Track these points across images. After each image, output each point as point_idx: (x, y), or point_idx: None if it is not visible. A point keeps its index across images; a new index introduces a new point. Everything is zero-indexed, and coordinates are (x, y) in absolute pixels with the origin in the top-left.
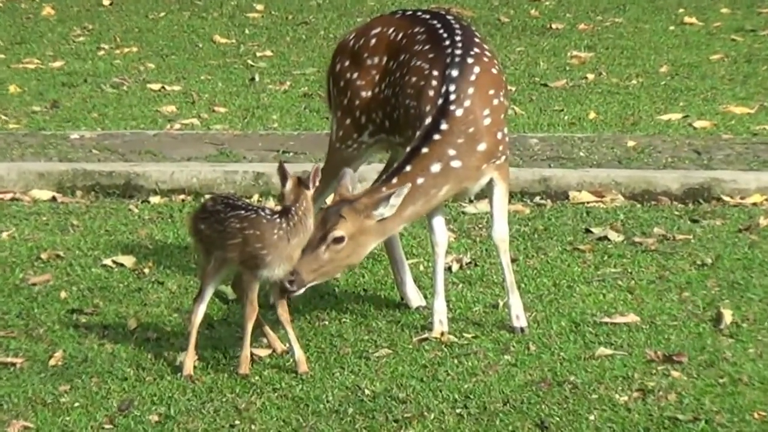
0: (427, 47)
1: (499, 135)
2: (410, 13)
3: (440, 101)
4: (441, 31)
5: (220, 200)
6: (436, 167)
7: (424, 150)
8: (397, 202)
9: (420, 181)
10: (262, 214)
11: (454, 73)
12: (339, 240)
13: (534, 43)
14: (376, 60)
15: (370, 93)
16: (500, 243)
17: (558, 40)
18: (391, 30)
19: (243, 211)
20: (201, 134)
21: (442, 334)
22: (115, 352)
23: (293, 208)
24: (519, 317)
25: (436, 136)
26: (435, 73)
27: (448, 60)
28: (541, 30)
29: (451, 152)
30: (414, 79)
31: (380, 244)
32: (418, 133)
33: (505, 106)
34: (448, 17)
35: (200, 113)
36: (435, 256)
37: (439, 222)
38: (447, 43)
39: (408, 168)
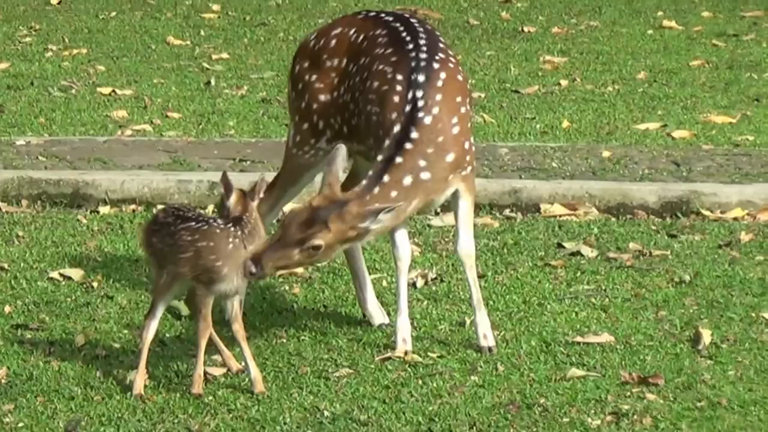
0: (389, 50)
1: (467, 144)
2: (373, 14)
3: (407, 108)
4: (404, 34)
5: (172, 211)
6: (407, 179)
7: (398, 160)
8: (386, 218)
9: (393, 194)
10: (215, 224)
11: (421, 78)
12: (317, 248)
13: (505, 47)
14: (336, 62)
15: (328, 97)
16: (466, 258)
17: (530, 44)
18: (352, 31)
19: (194, 223)
20: (153, 141)
21: (406, 353)
22: (62, 370)
23: (245, 217)
24: (486, 336)
25: (408, 145)
26: (399, 77)
27: (413, 64)
28: (512, 33)
29: (422, 163)
30: (376, 84)
31: (355, 245)
32: (387, 141)
33: (471, 115)
34: (412, 20)
35: (153, 119)
36: (398, 271)
37: (401, 236)
38: (411, 46)
39: (386, 178)
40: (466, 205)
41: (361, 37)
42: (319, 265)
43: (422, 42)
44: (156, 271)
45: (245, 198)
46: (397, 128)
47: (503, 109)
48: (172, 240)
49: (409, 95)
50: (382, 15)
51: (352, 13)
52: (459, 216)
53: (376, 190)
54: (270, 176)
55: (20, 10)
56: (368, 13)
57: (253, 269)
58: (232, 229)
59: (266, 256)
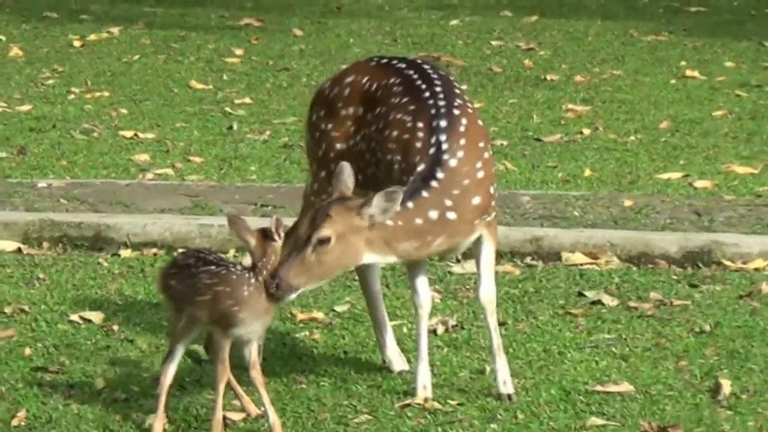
0: (405, 99)
1: (491, 189)
2: (385, 61)
3: (432, 150)
4: (419, 82)
5: (192, 255)
6: (434, 214)
7: (424, 194)
8: (393, 208)
9: (419, 221)
10: (233, 269)
11: (443, 123)
12: (324, 241)
13: (527, 95)
14: (351, 110)
15: (344, 145)
16: (487, 304)
17: (553, 92)
18: (365, 79)
19: (214, 267)
20: (175, 185)
21: (426, 400)
22: (81, 413)
23: (260, 264)
24: (506, 383)
25: (434, 183)
26: (420, 125)
27: (432, 111)
28: (535, 81)
29: (448, 203)
30: (395, 133)
31: (379, 261)
32: (412, 179)
33: (493, 161)
34: (425, 66)
35: (175, 163)
36: (418, 318)
37: (422, 282)
38: (427, 94)
39: (410, 205)
40: (488, 251)
41: (375, 86)
42: (350, 267)
43: (438, 89)
44: (174, 314)
45: (265, 238)
46: (422, 167)
47: (525, 157)
48: (192, 282)
49: (433, 139)
50: (394, 62)
51: (364, 60)
52: (481, 262)
53: (399, 207)
54: (289, 221)
55: (43, 52)
56: (380, 59)
57: (273, 288)
58: (247, 275)
59: (282, 269)
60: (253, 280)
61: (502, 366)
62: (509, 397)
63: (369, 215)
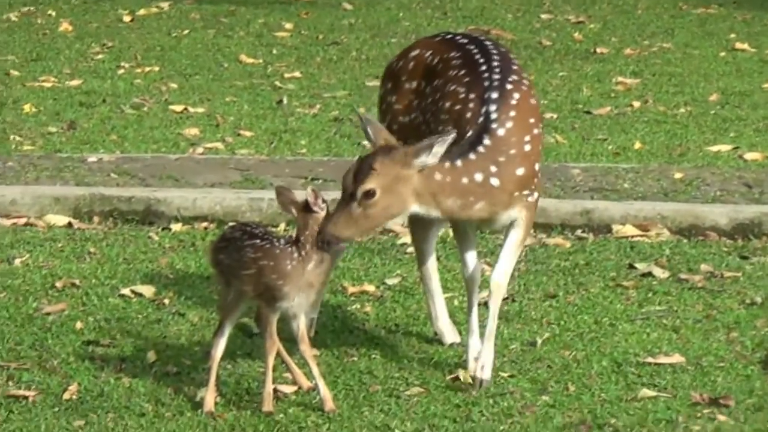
0: (462, 72)
1: (536, 166)
2: (449, 36)
3: (480, 119)
4: (478, 56)
5: (239, 228)
6: (479, 176)
7: (472, 156)
8: (440, 150)
9: (464, 180)
10: (276, 243)
11: (494, 95)
12: (369, 194)
13: (577, 68)
14: (414, 84)
15: (406, 118)
16: (495, 288)
17: (602, 65)
18: (428, 53)
19: (259, 240)
20: (225, 159)
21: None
22: (133, 387)
23: (302, 236)
24: (484, 368)
25: (481, 149)
26: (472, 96)
27: (486, 84)
28: (584, 54)
29: (493, 168)
30: (448, 104)
31: (423, 213)
32: (461, 143)
33: (542, 140)
34: (487, 42)
35: (225, 137)
36: (468, 291)
37: (471, 256)
38: (484, 68)
39: (458, 163)
40: (516, 237)
41: (437, 59)
42: (399, 215)
43: (495, 64)
44: (223, 288)
45: (306, 211)
46: (470, 134)
47: (575, 130)
48: (238, 256)
49: (483, 110)
50: (458, 37)
51: (431, 35)
52: (506, 244)
53: (447, 164)
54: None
55: (93, 27)
56: (446, 35)
57: (320, 243)
58: (290, 249)
59: (329, 223)
60: (296, 254)
61: (487, 352)
62: (481, 383)
63: (417, 162)
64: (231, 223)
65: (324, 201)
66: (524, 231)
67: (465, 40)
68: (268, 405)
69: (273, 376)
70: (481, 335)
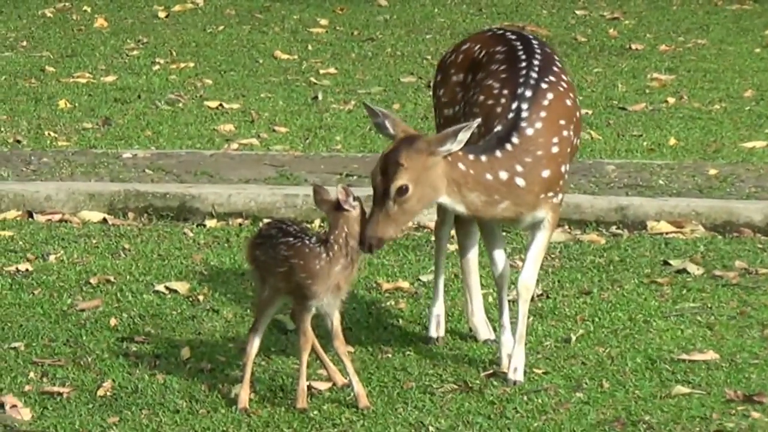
0: (502, 67)
1: (563, 168)
2: (500, 32)
3: (510, 115)
4: (520, 53)
5: (275, 225)
6: (503, 174)
7: (498, 153)
8: (465, 136)
9: (488, 177)
10: (307, 242)
11: (528, 93)
12: (402, 190)
13: (612, 64)
14: (460, 77)
15: (451, 111)
16: (524, 290)
17: (637, 61)
18: (477, 47)
19: (292, 239)
20: (260, 155)
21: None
22: (167, 383)
23: (332, 236)
24: (517, 370)
25: (508, 146)
26: (505, 92)
27: (521, 80)
28: (619, 50)
29: (518, 168)
30: (482, 98)
31: (449, 206)
32: (488, 137)
33: (573, 143)
34: (533, 41)
35: (260, 133)
36: (498, 289)
37: (499, 254)
38: (523, 65)
39: (483, 158)
40: (541, 240)
41: (483, 53)
42: (437, 199)
43: (536, 62)
44: (259, 285)
45: (337, 212)
46: (498, 128)
47: (610, 126)
48: (273, 253)
49: (513, 105)
50: (508, 33)
51: (483, 30)
52: (532, 247)
53: (471, 157)
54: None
55: (128, 23)
56: (497, 30)
57: (367, 249)
58: (319, 249)
59: (369, 228)
60: (324, 254)
61: (518, 354)
62: (515, 383)
63: (442, 149)
64: (267, 220)
65: (356, 198)
66: (549, 231)
67: (513, 36)
68: (302, 402)
69: (307, 372)
70: (497, 340)
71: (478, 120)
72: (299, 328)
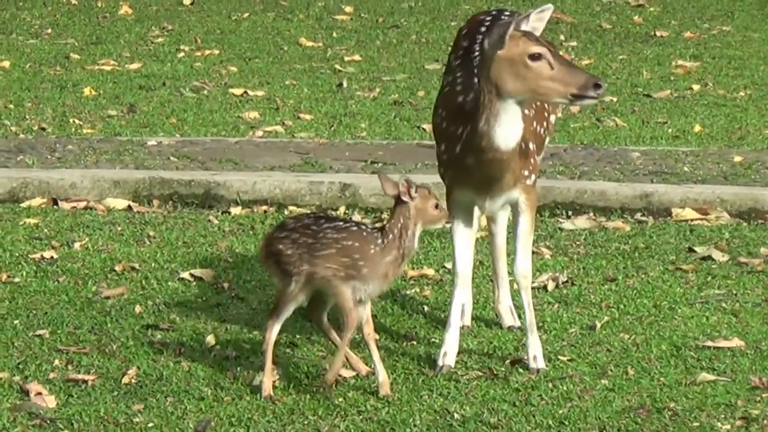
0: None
1: (532, 146)
2: (483, 17)
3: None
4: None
5: (300, 217)
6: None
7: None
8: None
9: None
10: (363, 227)
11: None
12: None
13: (637, 51)
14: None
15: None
16: (522, 279)
17: (662, 48)
18: (464, 32)
19: (341, 223)
20: (285, 142)
21: (538, 371)
22: (192, 371)
23: (388, 225)
24: (536, 358)
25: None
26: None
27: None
28: (644, 37)
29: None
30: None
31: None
32: None
33: (544, 129)
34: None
35: (284, 120)
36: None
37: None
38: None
39: None
40: (525, 223)
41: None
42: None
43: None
44: (281, 278)
45: (397, 204)
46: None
47: (635, 113)
48: (313, 239)
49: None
50: (486, 16)
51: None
52: (518, 234)
53: None
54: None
55: (153, 10)
56: (488, 13)
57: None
58: (376, 234)
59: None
60: (380, 240)
61: (533, 342)
62: (538, 371)
63: None
64: (292, 207)
65: (424, 187)
66: (530, 215)
67: (488, 18)
68: (332, 377)
69: (332, 360)
70: (523, 328)
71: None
72: (345, 308)
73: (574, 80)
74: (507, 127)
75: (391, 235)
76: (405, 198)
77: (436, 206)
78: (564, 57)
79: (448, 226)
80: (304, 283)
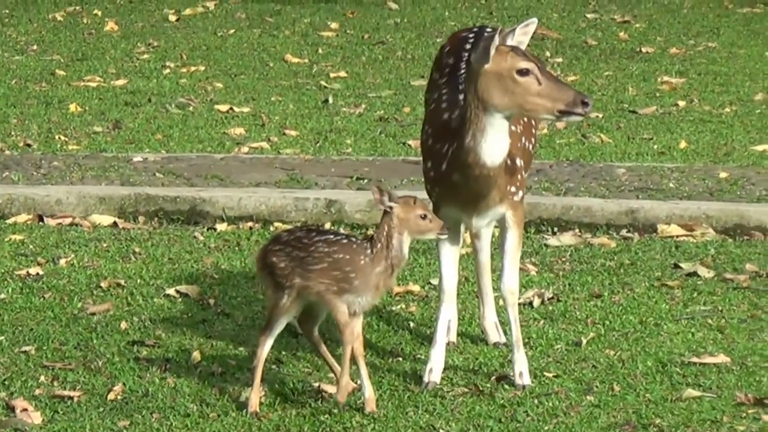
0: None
1: (519, 162)
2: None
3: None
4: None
5: (294, 230)
6: None
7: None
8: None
9: None
10: (352, 239)
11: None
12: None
13: (623, 68)
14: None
15: None
16: (509, 295)
17: (648, 64)
18: (446, 49)
19: (332, 236)
20: (271, 158)
21: (524, 387)
22: (178, 387)
23: (375, 236)
24: (522, 374)
25: None
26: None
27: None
28: (630, 54)
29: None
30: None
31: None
32: None
33: (531, 142)
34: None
35: (270, 136)
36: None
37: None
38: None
39: None
40: (512, 240)
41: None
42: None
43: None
44: (273, 291)
45: (384, 214)
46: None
47: (621, 130)
48: (305, 252)
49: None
50: (470, 33)
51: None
52: (505, 250)
53: None
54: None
55: (138, 26)
56: (469, 30)
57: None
58: (365, 245)
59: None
60: (368, 251)
61: (520, 359)
62: (524, 387)
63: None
64: (278, 224)
65: (409, 196)
66: (517, 231)
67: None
68: (342, 396)
69: (318, 375)
70: (509, 344)
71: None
72: (340, 322)
73: (562, 96)
74: (493, 143)
75: (379, 245)
76: (379, 205)
77: (424, 216)
78: (551, 73)
79: (443, 237)
80: (295, 297)
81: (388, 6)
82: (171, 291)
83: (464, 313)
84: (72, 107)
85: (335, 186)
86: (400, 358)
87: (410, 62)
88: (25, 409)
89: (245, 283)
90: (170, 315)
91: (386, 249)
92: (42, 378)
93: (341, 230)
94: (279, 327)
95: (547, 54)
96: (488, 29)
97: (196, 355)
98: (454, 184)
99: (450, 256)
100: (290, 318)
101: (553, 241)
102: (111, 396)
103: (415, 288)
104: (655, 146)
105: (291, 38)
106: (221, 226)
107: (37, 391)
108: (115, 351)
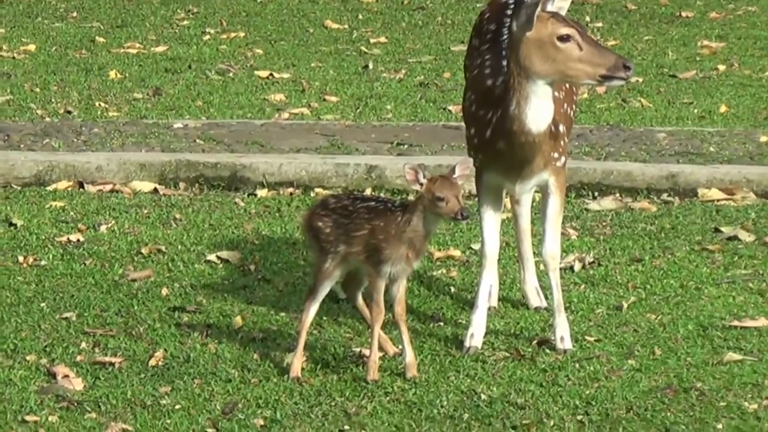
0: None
1: (561, 128)
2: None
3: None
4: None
5: (341, 195)
6: None
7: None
8: None
9: None
10: (389, 206)
11: None
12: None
13: (662, 32)
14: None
15: None
16: (550, 260)
17: (688, 28)
18: (486, 15)
19: (373, 203)
20: (311, 124)
21: (565, 351)
22: (219, 353)
23: (410, 206)
24: (564, 339)
25: None
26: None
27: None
28: (670, 18)
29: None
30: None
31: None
32: None
33: (572, 109)
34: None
35: (310, 102)
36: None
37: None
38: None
39: None
40: (555, 205)
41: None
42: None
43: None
44: (318, 255)
45: (429, 182)
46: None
47: (661, 94)
48: (349, 219)
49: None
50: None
51: None
52: (547, 216)
53: None
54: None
55: None
56: None
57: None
58: (398, 213)
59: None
60: (399, 219)
61: (561, 323)
62: (565, 351)
63: None
64: (319, 190)
65: (443, 176)
66: (560, 197)
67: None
68: (373, 373)
69: (359, 341)
70: (550, 308)
71: None
72: (374, 298)
73: (603, 61)
74: (538, 110)
75: (407, 215)
76: (413, 186)
77: (440, 198)
78: (592, 38)
79: (460, 221)
80: (339, 262)
81: None
82: (212, 257)
83: (505, 277)
84: (112, 74)
85: (375, 152)
86: (441, 323)
87: (450, 27)
88: (67, 376)
89: (286, 249)
90: (211, 281)
91: (407, 223)
92: (83, 344)
93: (382, 195)
94: (323, 292)
95: (587, 19)
96: None
97: (237, 320)
98: (499, 151)
99: (491, 221)
100: (334, 282)
101: (593, 205)
102: (152, 362)
103: (456, 253)
104: (696, 110)
105: (331, 4)
106: (261, 192)
107: (79, 358)
108: (156, 317)
